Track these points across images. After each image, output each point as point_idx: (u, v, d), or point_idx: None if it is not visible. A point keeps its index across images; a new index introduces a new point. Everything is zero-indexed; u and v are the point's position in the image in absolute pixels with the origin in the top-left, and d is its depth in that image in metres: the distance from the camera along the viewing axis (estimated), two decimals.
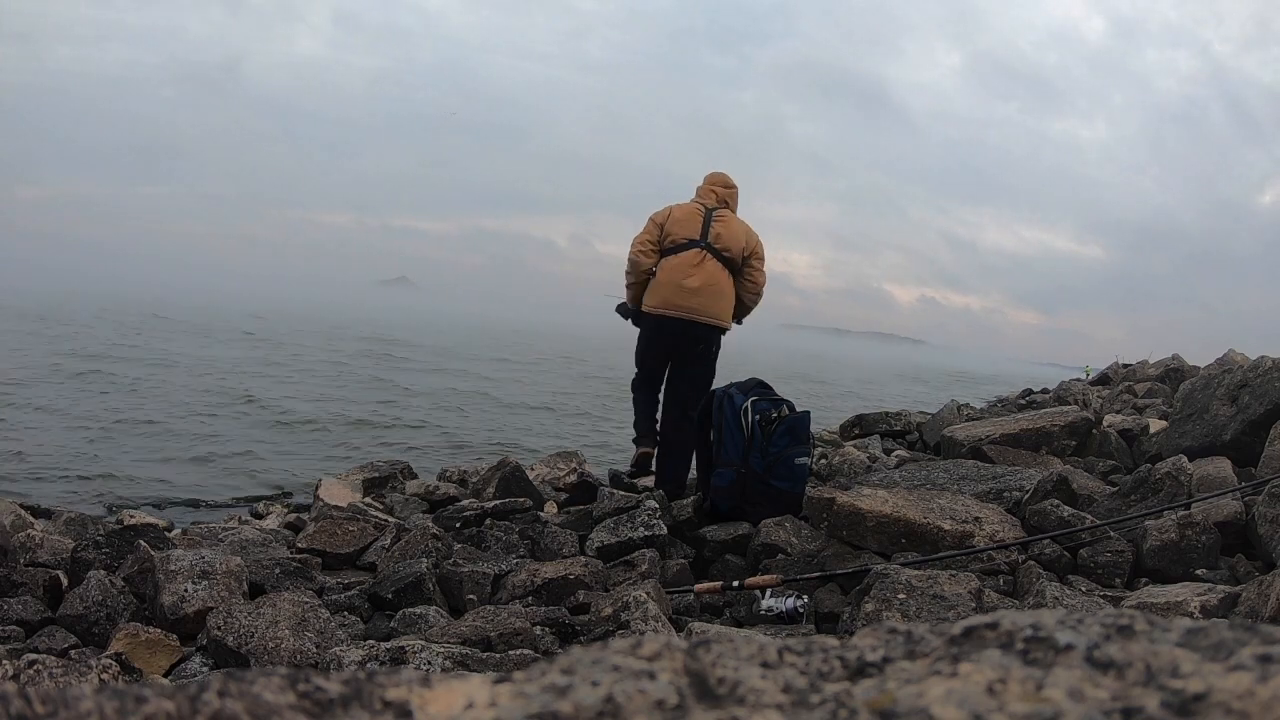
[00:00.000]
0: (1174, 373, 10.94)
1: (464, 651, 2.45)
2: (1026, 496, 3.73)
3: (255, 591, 3.17)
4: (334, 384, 14.87)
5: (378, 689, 0.57)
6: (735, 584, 3.14)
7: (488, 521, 4.24)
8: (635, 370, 5.23)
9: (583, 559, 3.57)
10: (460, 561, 3.54)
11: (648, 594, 2.87)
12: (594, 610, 2.98)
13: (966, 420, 7.25)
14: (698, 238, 4.87)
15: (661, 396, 5.14)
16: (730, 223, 4.93)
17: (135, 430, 8.78)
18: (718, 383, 4.77)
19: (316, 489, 5.32)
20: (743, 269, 4.94)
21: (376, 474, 5.84)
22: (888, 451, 6.66)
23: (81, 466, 6.97)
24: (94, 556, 3.35)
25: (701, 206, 4.96)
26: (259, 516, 5.66)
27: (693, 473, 4.94)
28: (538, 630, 2.79)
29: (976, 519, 3.38)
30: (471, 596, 3.28)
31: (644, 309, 5.00)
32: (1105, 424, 6.21)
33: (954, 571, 2.82)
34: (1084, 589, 2.89)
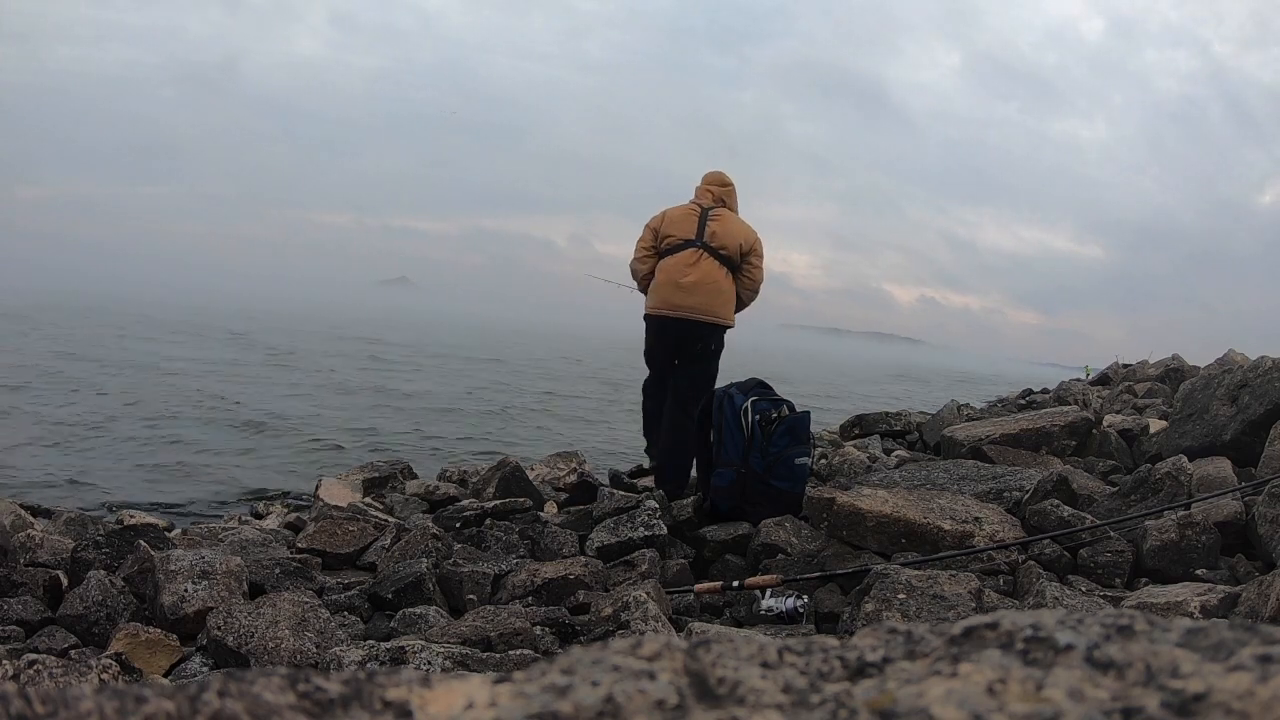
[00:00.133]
0: (1174, 373, 10.94)
1: (464, 651, 2.45)
2: (1026, 496, 3.73)
3: (255, 591, 3.17)
4: (318, 387, 14.73)
5: (378, 689, 0.57)
6: (735, 584, 3.14)
7: (488, 521, 4.24)
8: (646, 372, 5.27)
9: (583, 559, 3.57)
10: (460, 561, 3.54)
11: (648, 594, 2.87)
12: (594, 610, 2.98)
13: (966, 420, 7.25)
14: (693, 238, 4.88)
15: None
16: (726, 221, 4.93)
17: (94, 434, 8.66)
18: (719, 383, 4.77)
19: (316, 489, 5.32)
20: (741, 266, 4.94)
21: (376, 474, 5.84)
22: (888, 451, 6.66)
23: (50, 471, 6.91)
24: (94, 556, 3.35)
25: (697, 207, 4.97)
26: (259, 516, 5.66)
27: (693, 473, 4.95)
28: (538, 630, 2.79)
29: (976, 519, 3.38)
30: (471, 596, 3.28)
31: (646, 311, 5.02)
32: (1105, 424, 6.21)
33: (954, 571, 2.82)
34: (1084, 589, 2.89)
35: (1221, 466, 3.92)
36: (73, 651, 2.73)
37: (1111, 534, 3.20)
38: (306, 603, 2.78)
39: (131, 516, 4.96)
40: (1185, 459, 3.85)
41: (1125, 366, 16.83)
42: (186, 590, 2.93)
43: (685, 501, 4.34)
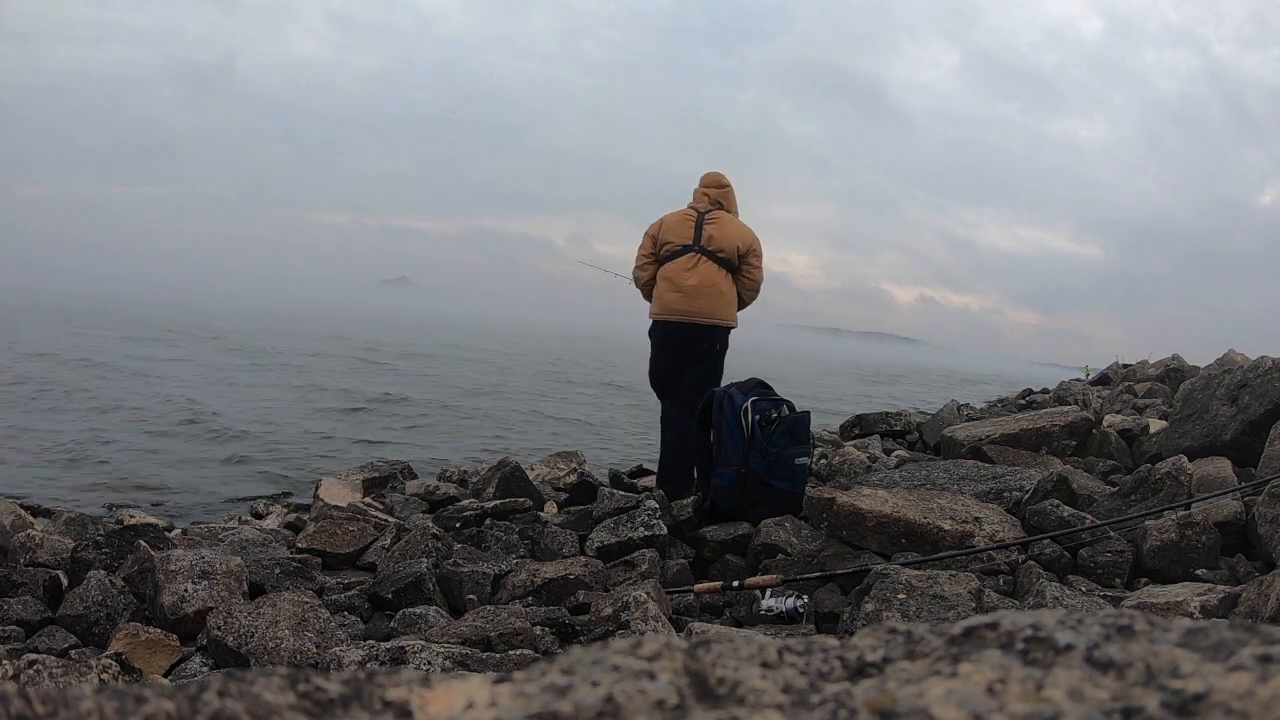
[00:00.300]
0: (1174, 373, 10.94)
1: (464, 651, 2.45)
2: (1026, 496, 3.73)
3: (255, 591, 3.17)
4: (313, 389, 14.66)
5: (378, 689, 0.57)
6: (735, 584, 3.13)
7: (488, 521, 4.25)
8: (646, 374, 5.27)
9: (583, 559, 3.57)
10: (460, 561, 3.54)
11: (648, 594, 2.87)
12: (594, 610, 2.98)
13: (966, 420, 7.25)
14: (690, 243, 4.89)
15: None
16: (724, 224, 4.93)
17: (88, 435, 8.60)
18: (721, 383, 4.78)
19: (316, 489, 5.33)
20: (740, 267, 4.95)
21: (376, 474, 5.84)
22: (888, 451, 6.66)
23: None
24: (94, 556, 3.35)
25: (694, 211, 4.99)
26: (259, 516, 5.66)
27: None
28: (538, 630, 2.79)
29: (976, 519, 3.38)
30: (471, 596, 3.28)
31: (651, 319, 5.04)
32: (1105, 424, 6.21)
33: (954, 571, 2.82)
34: (1084, 589, 2.89)
35: (1221, 466, 3.92)
36: (73, 651, 2.74)
37: (1111, 534, 3.20)
38: (306, 603, 2.78)
39: (131, 516, 4.96)
40: (1185, 459, 3.85)
41: (1125, 366, 16.82)
42: (186, 590, 2.93)
43: (685, 501, 4.34)
